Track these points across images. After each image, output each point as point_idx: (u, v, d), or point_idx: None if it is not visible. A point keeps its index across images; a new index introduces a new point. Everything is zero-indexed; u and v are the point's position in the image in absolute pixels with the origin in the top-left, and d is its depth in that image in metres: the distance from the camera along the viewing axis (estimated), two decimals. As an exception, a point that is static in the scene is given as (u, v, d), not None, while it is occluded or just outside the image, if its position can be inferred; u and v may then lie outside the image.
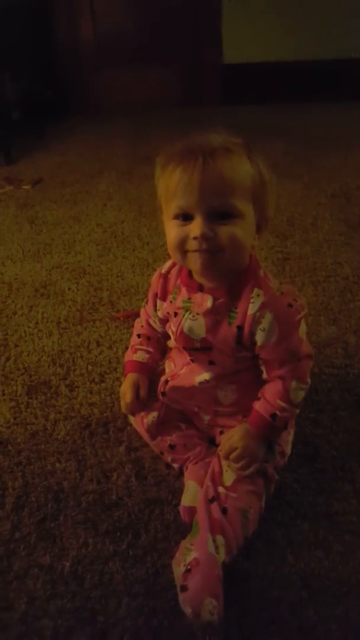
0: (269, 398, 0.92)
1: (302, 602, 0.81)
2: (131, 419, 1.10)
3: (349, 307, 1.48)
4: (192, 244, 0.84)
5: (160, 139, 2.91)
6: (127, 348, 1.34)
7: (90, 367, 1.31)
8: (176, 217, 0.86)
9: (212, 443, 1.04)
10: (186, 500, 0.94)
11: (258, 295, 0.89)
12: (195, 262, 0.86)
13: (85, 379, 1.27)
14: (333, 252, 1.76)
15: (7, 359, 1.35)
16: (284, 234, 1.88)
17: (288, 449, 1.00)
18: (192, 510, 0.91)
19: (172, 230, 0.86)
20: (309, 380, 0.94)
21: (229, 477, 0.91)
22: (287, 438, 1.01)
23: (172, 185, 0.84)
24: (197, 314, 0.92)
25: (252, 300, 0.88)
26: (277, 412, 0.91)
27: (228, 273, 0.89)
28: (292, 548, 0.89)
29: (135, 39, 3.52)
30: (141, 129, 3.19)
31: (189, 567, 0.80)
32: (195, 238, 0.83)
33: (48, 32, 3.50)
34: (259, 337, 0.89)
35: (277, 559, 0.87)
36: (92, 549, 0.90)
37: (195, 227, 0.83)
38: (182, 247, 0.86)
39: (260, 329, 0.88)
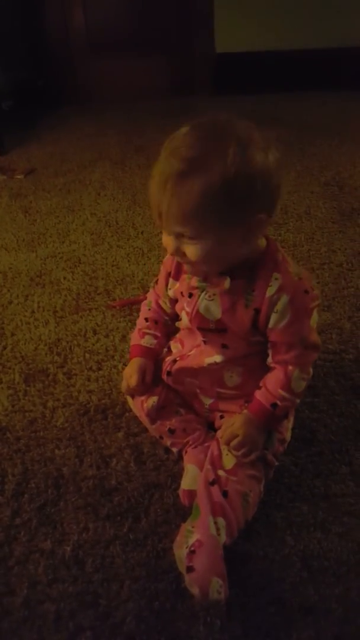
0: (270, 387, 0.93)
1: (302, 582, 0.82)
2: (130, 403, 1.11)
3: (343, 293, 1.49)
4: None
5: (153, 129, 2.90)
6: (124, 336, 1.35)
7: (87, 355, 1.31)
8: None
9: (211, 428, 1.05)
10: (186, 484, 0.95)
11: (276, 279, 0.88)
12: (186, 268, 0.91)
13: (83, 367, 1.27)
14: (327, 240, 1.77)
15: (4, 348, 1.35)
16: (277, 222, 1.88)
17: (288, 436, 1.01)
18: (191, 494, 0.92)
19: (163, 237, 0.88)
20: (311, 371, 0.94)
21: (229, 461, 0.92)
22: (287, 425, 1.01)
23: (150, 195, 0.84)
24: (214, 294, 0.92)
25: (270, 284, 0.88)
26: (278, 402, 0.92)
27: (230, 265, 0.88)
28: (291, 530, 0.90)
29: (127, 28, 3.50)
30: (134, 119, 3.18)
31: (192, 548, 0.81)
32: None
33: (39, 22, 3.48)
34: (272, 319, 0.89)
35: (277, 541, 0.88)
36: (93, 533, 0.91)
37: (167, 245, 0.86)
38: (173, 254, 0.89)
39: (275, 311, 0.89)
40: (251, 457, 0.92)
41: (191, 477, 0.95)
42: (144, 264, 1.68)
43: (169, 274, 1.02)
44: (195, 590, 0.79)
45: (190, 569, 0.80)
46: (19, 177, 2.43)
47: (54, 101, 3.52)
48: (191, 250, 0.83)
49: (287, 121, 2.90)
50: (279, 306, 0.88)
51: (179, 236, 0.83)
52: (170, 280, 1.01)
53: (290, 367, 0.92)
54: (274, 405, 0.92)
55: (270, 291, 0.88)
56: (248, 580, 0.83)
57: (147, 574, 0.84)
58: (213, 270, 0.89)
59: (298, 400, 0.96)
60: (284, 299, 0.88)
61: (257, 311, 0.90)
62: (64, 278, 1.64)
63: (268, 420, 0.94)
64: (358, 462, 1.00)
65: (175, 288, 1.01)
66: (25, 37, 3.35)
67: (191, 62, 3.54)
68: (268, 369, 0.95)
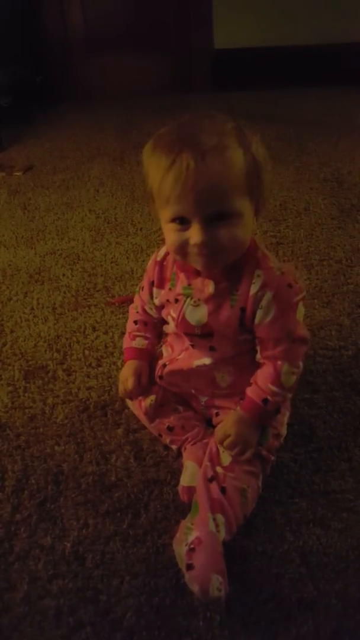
0: (260, 383, 0.92)
1: (301, 578, 0.82)
2: (129, 402, 1.11)
3: (342, 290, 1.49)
4: (192, 249, 0.84)
5: (151, 125, 2.89)
6: (123, 333, 1.35)
7: (87, 352, 1.31)
8: (173, 220, 0.84)
9: (209, 424, 1.05)
10: (185, 480, 0.95)
11: (259, 275, 0.89)
12: (197, 263, 0.87)
13: (82, 364, 1.28)
14: (326, 236, 1.77)
15: (4, 345, 1.35)
16: (277, 218, 1.88)
17: (283, 431, 1.01)
18: (190, 490, 0.92)
19: (171, 235, 0.86)
20: (301, 364, 0.94)
21: (226, 458, 0.92)
22: (282, 420, 1.01)
23: (165, 190, 0.82)
24: (199, 299, 0.92)
25: (253, 281, 0.88)
26: (269, 397, 0.92)
27: (229, 263, 0.89)
28: (290, 526, 0.90)
29: (124, 24, 3.50)
30: (132, 115, 3.18)
31: (192, 545, 0.81)
32: (195, 245, 0.83)
33: (38, 19, 3.47)
34: (258, 315, 0.89)
35: (276, 537, 0.88)
36: (93, 529, 0.91)
37: (194, 234, 0.82)
38: (182, 251, 0.86)
39: (260, 307, 0.89)
40: (246, 456, 0.92)
41: (190, 474, 0.95)
42: (143, 261, 1.67)
43: (152, 283, 1.01)
44: (195, 588, 0.79)
45: (189, 567, 0.80)
46: (17, 174, 2.43)
47: (52, 98, 3.51)
48: (225, 231, 0.82)
49: (285, 117, 2.90)
50: (264, 302, 0.88)
51: (208, 220, 0.81)
52: (155, 289, 1.01)
53: (279, 362, 0.91)
54: (265, 400, 0.92)
55: (253, 289, 0.88)
56: (247, 576, 0.83)
57: (146, 570, 0.85)
58: (232, 258, 0.87)
59: (289, 395, 0.97)
60: (268, 295, 0.88)
61: (243, 310, 0.90)
62: (63, 275, 1.64)
63: (260, 417, 0.94)
64: (357, 458, 1.01)
65: (160, 296, 1.00)
66: (23, 34, 3.34)
67: (189, 58, 3.54)
68: (259, 366, 0.95)
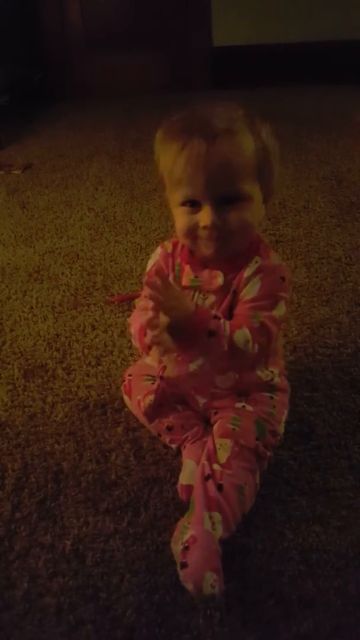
0: (222, 322, 0.85)
1: (301, 576, 0.82)
2: (127, 402, 1.11)
3: (342, 288, 1.49)
4: (202, 232, 0.85)
5: (149, 123, 2.89)
6: (122, 332, 1.36)
7: (86, 351, 1.31)
8: (183, 204, 0.86)
9: (207, 423, 1.04)
10: (183, 479, 0.95)
11: (256, 262, 0.90)
12: (206, 247, 0.88)
13: (82, 362, 1.28)
14: (325, 235, 1.77)
15: (3, 343, 1.35)
16: (276, 216, 1.88)
17: (280, 429, 1.01)
18: (189, 489, 0.92)
19: (181, 218, 0.87)
20: (256, 347, 0.86)
21: (222, 455, 0.91)
22: (280, 418, 1.01)
23: (176, 173, 0.84)
24: (208, 292, 0.92)
25: (249, 266, 0.90)
26: (217, 332, 0.83)
27: (236, 252, 0.90)
28: (290, 523, 0.90)
29: (123, 22, 3.50)
30: (131, 114, 3.18)
31: (186, 544, 0.81)
32: (205, 227, 0.84)
33: (36, 17, 3.47)
34: (243, 292, 0.89)
35: (276, 534, 0.88)
36: (93, 527, 0.91)
37: (204, 217, 0.84)
38: (192, 235, 0.87)
39: (247, 284, 0.89)
40: (154, 333, 0.79)
41: (189, 472, 0.95)
42: (142, 259, 1.67)
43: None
44: (189, 586, 0.79)
45: (183, 565, 0.80)
46: (16, 172, 2.43)
47: (50, 96, 3.51)
48: (235, 215, 0.84)
49: (285, 115, 2.89)
50: (252, 282, 0.89)
51: (219, 202, 0.84)
52: None
53: (241, 325, 0.86)
54: (212, 332, 0.83)
55: (248, 272, 0.90)
56: (247, 573, 0.83)
57: (146, 568, 0.85)
58: (239, 245, 0.89)
59: (226, 348, 0.84)
60: (259, 277, 0.89)
61: (235, 293, 0.90)
62: (62, 274, 1.64)
63: (195, 332, 0.83)
64: (357, 456, 1.01)
65: None
66: (22, 32, 3.33)
67: (188, 56, 3.54)
68: (258, 369, 0.95)
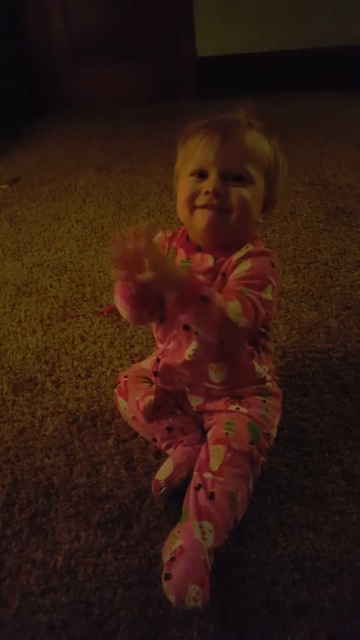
0: (216, 292, 0.86)
1: (295, 584, 0.82)
2: (121, 405, 1.10)
3: (330, 292, 1.49)
4: (203, 199, 0.91)
5: (136, 134, 2.91)
6: (112, 342, 1.35)
7: (75, 363, 1.30)
8: (192, 173, 0.93)
9: (202, 431, 1.04)
10: (158, 474, 0.97)
11: (247, 247, 0.93)
12: (202, 218, 0.91)
13: (71, 375, 1.27)
14: (312, 239, 1.77)
15: (-9, 358, 1.34)
16: (263, 223, 1.88)
17: (274, 432, 1.00)
18: (157, 483, 0.95)
19: (186, 185, 0.93)
20: (244, 320, 0.85)
21: (215, 462, 0.90)
22: (273, 422, 1.01)
23: (193, 145, 0.94)
24: (197, 273, 0.93)
25: (240, 250, 0.93)
26: (210, 298, 0.83)
27: (229, 238, 0.93)
28: (283, 531, 0.89)
29: (108, 34, 3.52)
30: (117, 125, 3.19)
31: (173, 555, 0.81)
32: (207, 193, 0.90)
33: (21, 30, 3.47)
34: (233, 272, 0.92)
35: (269, 542, 0.88)
36: (85, 541, 0.90)
37: (209, 183, 0.91)
38: (192, 202, 0.92)
39: (237, 266, 0.92)
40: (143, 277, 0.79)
41: (165, 469, 0.97)
42: (131, 270, 1.67)
43: None
44: (172, 598, 0.78)
45: (167, 577, 0.79)
46: (3, 186, 2.43)
47: (37, 109, 3.51)
48: (237, 191, 0.90)
49: (270, 122, 2.89)
50: (243, 262, 0.92)
51: (225, 177, 0.90)
52: None
53: (234, 300, 0.86)
54: (205, 298, 0.83)
55: (238, 255, 0.93)
56: (241, 583, 0.82)
57: (139, 581, 0.84)
58: (235, 229, 0.92)
59: (218, 316, 0.84)
60: (249, 260, 0.92)
61: (224, 275, 0.93)
62: (51, 286, 1.63)
63: (188, 297, 0.82)
64: (348, 461, 1.00)
65: None
66: (7, 45, 3.34)
67: (173, 67, 3.56)
68: (252, 364, 0.97)
